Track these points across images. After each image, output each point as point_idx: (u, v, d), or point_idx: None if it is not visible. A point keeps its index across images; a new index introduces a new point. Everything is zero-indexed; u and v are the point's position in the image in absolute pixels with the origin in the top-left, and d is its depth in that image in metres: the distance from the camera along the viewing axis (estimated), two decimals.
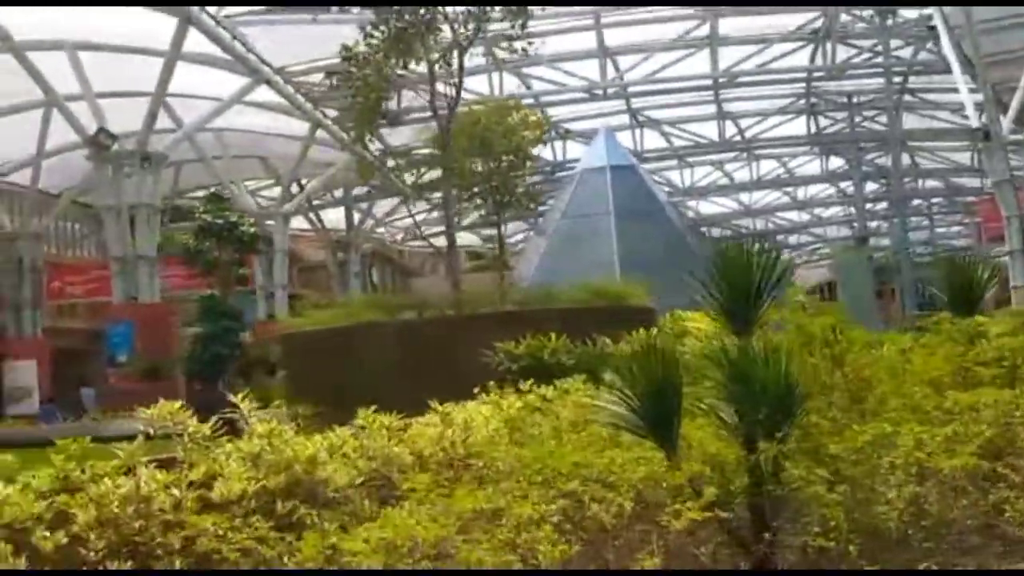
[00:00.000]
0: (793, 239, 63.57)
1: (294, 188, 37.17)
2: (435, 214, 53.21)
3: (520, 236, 49.23)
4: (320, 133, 31.01)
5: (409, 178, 21.02)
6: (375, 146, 16.58)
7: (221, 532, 4.31)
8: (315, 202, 41.84)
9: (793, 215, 61.06)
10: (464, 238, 51.82)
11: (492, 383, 7.66)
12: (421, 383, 8.43)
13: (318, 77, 34.14)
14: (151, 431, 5.39)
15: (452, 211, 12.74)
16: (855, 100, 43.72)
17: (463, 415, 5.91)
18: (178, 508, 4.63)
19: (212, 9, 21.97)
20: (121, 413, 17.69)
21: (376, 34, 12.95)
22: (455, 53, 12.97)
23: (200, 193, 39.65)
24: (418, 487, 4.81)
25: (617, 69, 36.74)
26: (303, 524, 4.69)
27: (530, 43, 14.39)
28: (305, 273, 48.65)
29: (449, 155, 12.80)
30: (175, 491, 4.54)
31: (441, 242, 63.39)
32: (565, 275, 21.26)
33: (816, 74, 39.72)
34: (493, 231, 44.19)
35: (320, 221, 44.21)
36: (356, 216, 44.35)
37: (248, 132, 32.51)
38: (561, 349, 9.73)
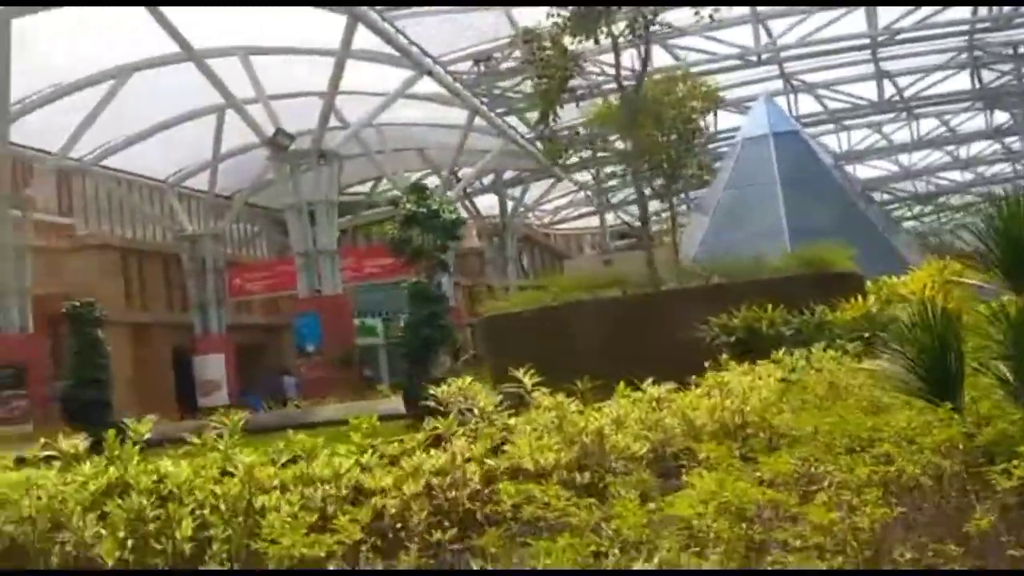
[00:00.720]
0: (956, 200, 61.07)
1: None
2: (582, 195, 53.65)
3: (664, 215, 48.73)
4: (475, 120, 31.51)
5: (576, 157, 21.19)
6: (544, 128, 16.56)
7: (546, 500, 4.46)
8: (467, 190, 42.51)
9: (955, 175, 58.45)
10: (602, 219, 51.95)
11: (705, 358, 7.69)
12: (630, 359, 8.51)
13: (464, 65, 34.78)
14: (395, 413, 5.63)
15: (642, 186, 12.73)
16: (1022, 51, 41.51)
17: (737, 384, 5.96)
18: (490, 479, 4.84)
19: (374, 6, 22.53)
20: (320, 400, 18.60)
21: (561, 13, 13.02)
22: (638, 25, 12.93)
23: (361, 188, 41.07)
24: (714, 455, 4.86)
25: (770, 35, 35.90)
26: (600, 493, 4.82)
27: (716, 10, 14.20)
28: (459, 259, 49.46)
29: (637, 129, 12.81)
30: (490, 461, 4.76)
31: (586, 223, 63.56)
32: (732, 249, 20.99)
33: (979, 25, 37.84)
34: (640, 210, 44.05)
35: (475, 208, 44.90)
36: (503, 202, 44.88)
37: (406, 125, 33.23)
38: (778, 320, 9.63)
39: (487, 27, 37.22)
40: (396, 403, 13.85)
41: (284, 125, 25.34)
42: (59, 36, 23.68)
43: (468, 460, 4.72)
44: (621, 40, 13.32)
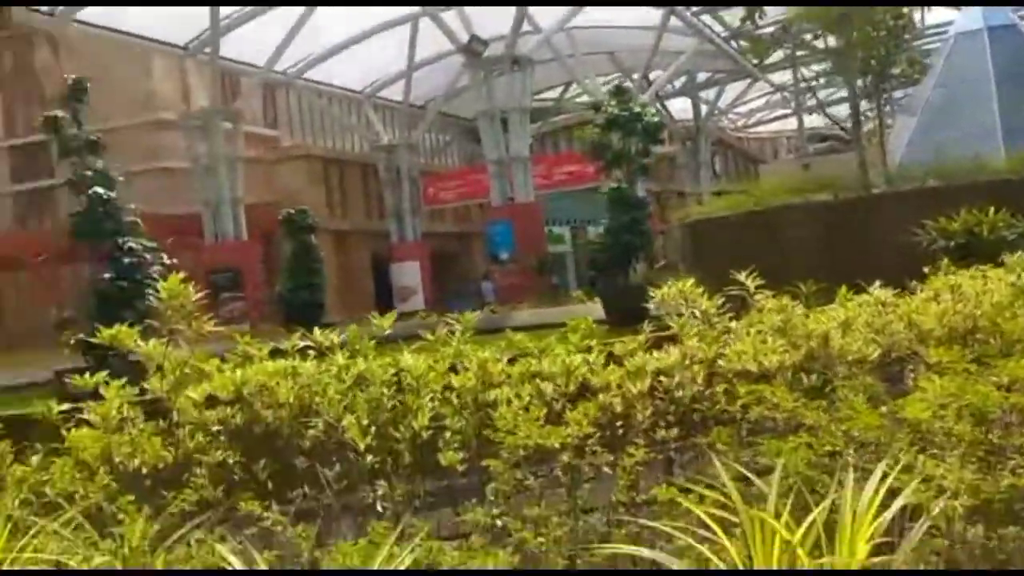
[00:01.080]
0: None
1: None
2: (777, 96, 51.71)
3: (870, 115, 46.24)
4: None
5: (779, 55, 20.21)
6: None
7: (775, 401, 4.43)
8: (659, 93, 41.68)
9: None
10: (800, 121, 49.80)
11: (923, 263, 7.35)
12: (843, 264, 8.24)
13: None
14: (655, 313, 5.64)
15: (853, 84, 12.14)
16: None
17: (968, 288, 5.70)
18: (712, 380, 4.85)
19: None
20: (516, 306, 18.97)
21: None
22: None
23: (550, 94, 40.98)
24: (946, 359, 4.70)
25: None
26: (826, 397, 4.74)
27: None
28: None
29: (847, 24, 12.19)
30: (720, 362, 4.75)
31: (780, 126, 61.17)
32: (941, 150, 19.74)
33: None
34: (837, 111, 42.09)
35: (667, 111, 44.01)
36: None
37: (596, 28, 32.70)
38: (1001, 224, 9.10)
39: None
40: (592, 309, 13.96)
41: (476, 32, 25.49)
42: None
43: (695, 361, 4.72)
44: None
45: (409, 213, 33.57)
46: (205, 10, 25.49)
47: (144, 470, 4.33)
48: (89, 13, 25.18)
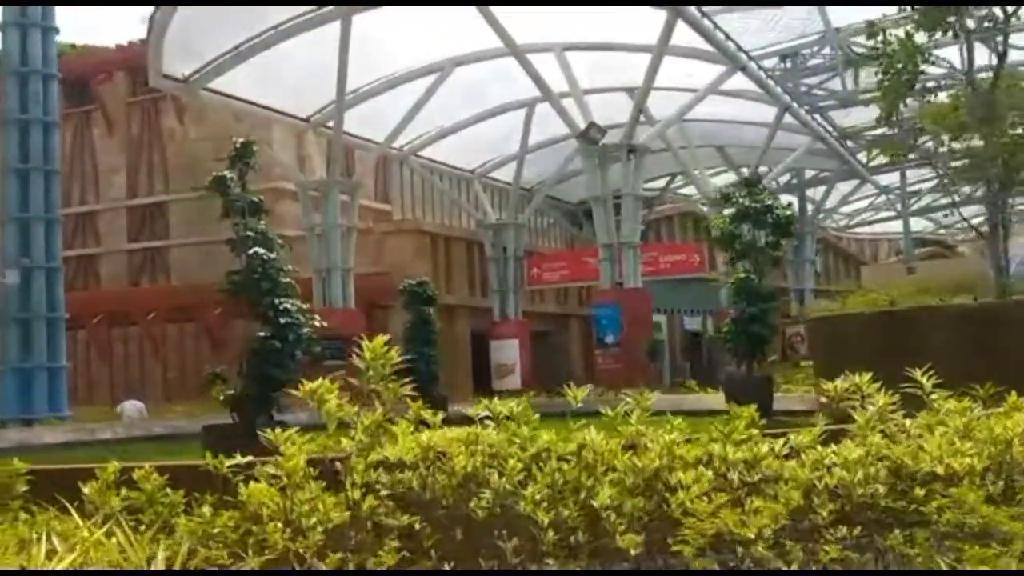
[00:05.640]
0: None
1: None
2: (881, 198, 51.08)
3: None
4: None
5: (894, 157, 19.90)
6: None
7: (971, 505, 4.27)
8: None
9: None
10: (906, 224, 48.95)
11: None
12: (979, 367, 7.94)
13: (770, 62, 33.99)
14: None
15: (996, 188, 11.89)
16: None
17: None
18: (896, 479, 4.68)
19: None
20: (624, 390, 18.63)
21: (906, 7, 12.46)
22: (995, 18, 12.13)
23: (655, 184, 41.20)
24: None
25: None
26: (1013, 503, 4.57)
27: None
28: None
29: (988, 127, 12.02)
30: (908, 461, 4.60)
31: (881, 228, 60.24)
32: None
33: None
34: (944, 216, 41.27)
35: None
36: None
37: (707, 121, 32.91)
38: None
39: (796, 23, 36.29)
40: (704, 398, 13.74)
41: (584, 119, 25.81)
42: (389, 31, 25.36)
43: (878, 458, 4.59)
44: (974, 34, 12.53)
45: (512, 291, 33.85)
46: (329, 84, 26.35)
47: (320, 529, 4.34)
48: (217, 82, 26.25)
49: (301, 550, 4.22)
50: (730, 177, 39.09)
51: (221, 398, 8.54)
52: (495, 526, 4.45)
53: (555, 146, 33.65)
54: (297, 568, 4.23)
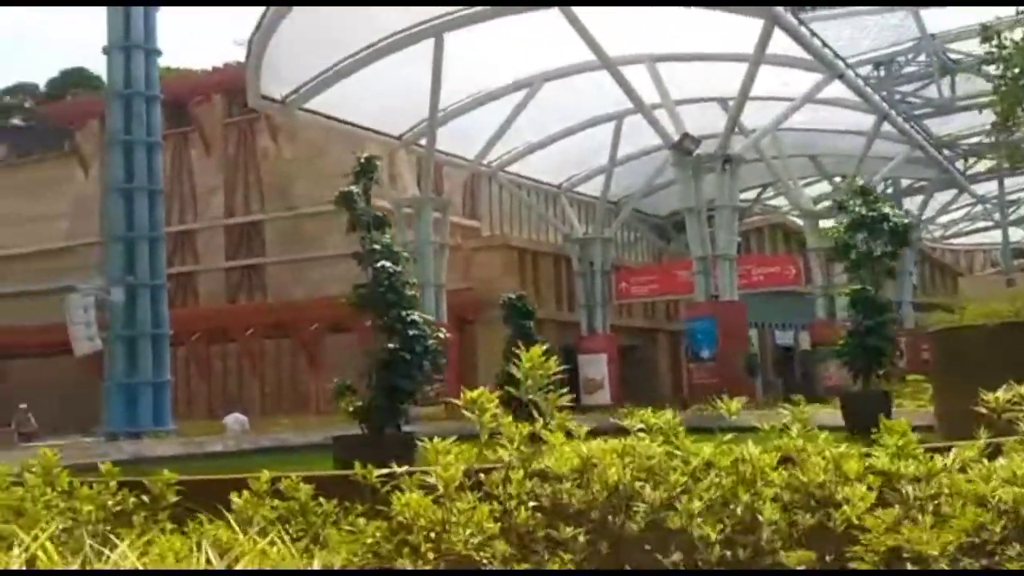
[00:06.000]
0: None
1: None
2: (978, 208, 49.69)
3: None
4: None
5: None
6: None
7: None
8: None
9: None
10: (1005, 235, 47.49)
11: None
12: None
13: (864, 69, 33.34)
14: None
15: None
16: None
17: None
18: None
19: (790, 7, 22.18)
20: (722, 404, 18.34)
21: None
22: None
23: (745, 195, 40.66)
24: None
25: None
26: None
27: None
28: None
29: None
30: None
31: (982, 239, 58.65)
32: None
33: None
34: None
35: None
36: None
37: (800, 130, 32.40)
38: None
39: (889, 31, 35.59)
40: (824, 413, 13.41)
41: (676, 130, 25.61)
42: (479, 48, 25.50)
43: None
44: None
45: (599, 305, 33.72)
46: (419, 103, 26.62)
47: (475, 540, 4.30)
48: (312, 102, 26.71)
49: (459, 559, 4.19)
50: (822, 187, 38.41)
51: (350, 409, 8.62)
52: (647, 540, 4.37)
53: (641, 159, 33.48)
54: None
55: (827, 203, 37.23)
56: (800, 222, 38.80)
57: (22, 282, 43.03)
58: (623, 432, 4.79)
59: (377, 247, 8.88)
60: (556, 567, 4.16)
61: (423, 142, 28.11)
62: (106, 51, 24.65)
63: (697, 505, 3.98)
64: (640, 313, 38.64)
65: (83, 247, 41.81)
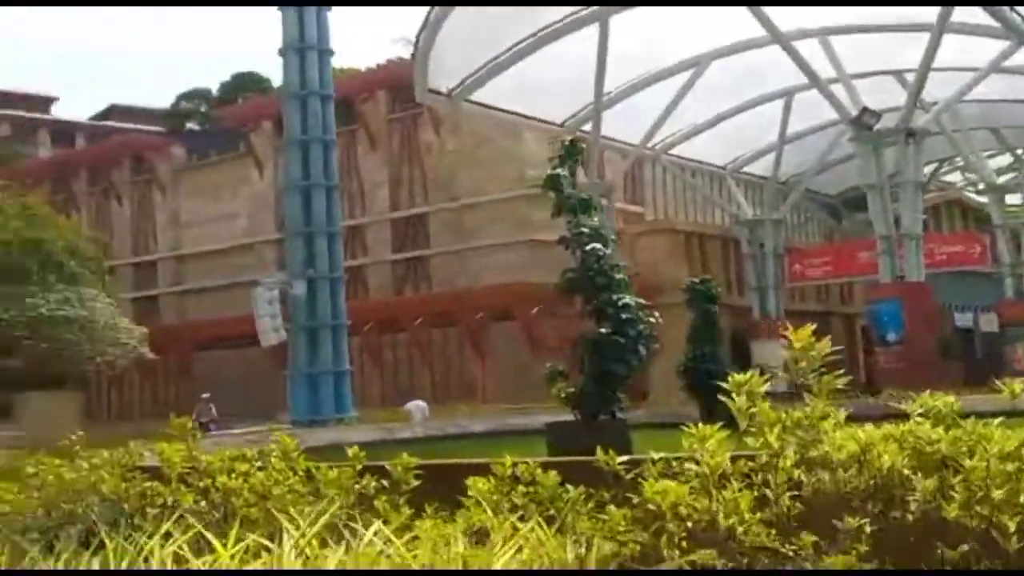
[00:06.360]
0: None
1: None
2: None
3: None
4: None
5: None
6: None
7: None
8: None
9: None
10: None
11: None
12: None
13: None
14: None
15: None
16: None
17: None
18: None
19: None
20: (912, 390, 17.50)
21: None
22: None
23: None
24: None
25: None
26: None
27: None
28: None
29: None
30: None
31: None
32: None
33: None
34: None
35: None
36: None
37: (981, 101, 30.68)
38: None
39: None
40: None
41: (853, 105, 24.61)
42: (644, 30, 25.16)
43: None
44: None
45: (772, 289, 32.86)
46: (580, 89, 26.50)
47: (741, 528, 4.15)
48: (476, 94, 26.94)
49: (720, 549, 4.05)
50: (1003, 160, 36.33)
51: (562, 395, 8.58)
52: (926, 530, 4.13)
53: (810, 137, 32.42)
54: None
55: (1012, 174, 35.23)
56: (979, 198, 36.86)
57: (207, 278, 45.26)
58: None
59: (585, 230, 8.77)
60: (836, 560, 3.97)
61: (585, 128, 27.96)
62: (282, 53, 25.45)
63: (997, 495, 3.71)
64: (813, 296, 37.48)
65: (260, 244, 43.59)
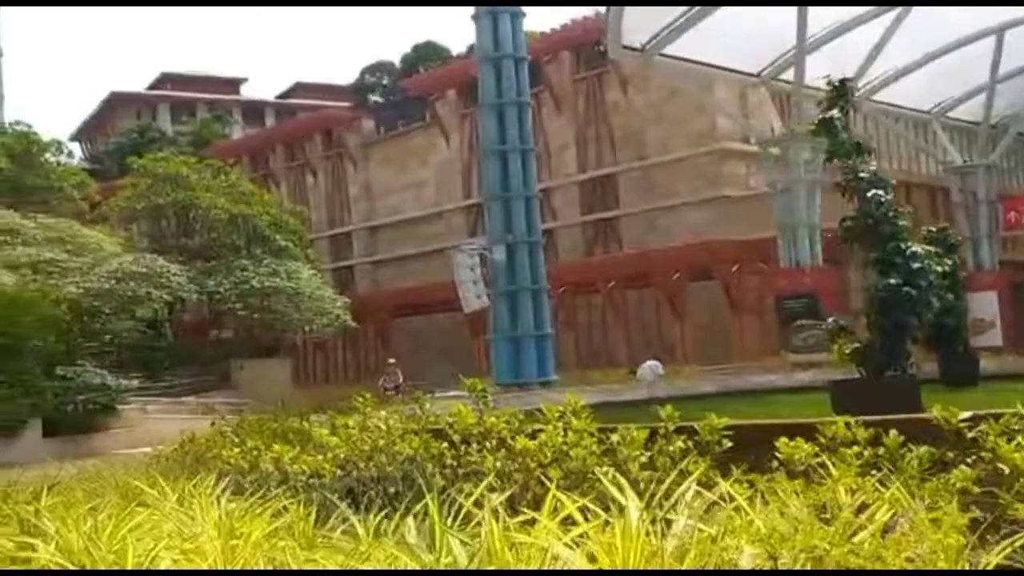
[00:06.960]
0: None
1: None
2: None
3: None
4: None
5: None
6: None
7: None
8: None
9: None
10: None
11: None
12: None
13: None
14: None
15: None
16: None
17: None
18: None
19: None
20: None
21: None
22: None
23: None
24: None
25: None
26: None
27: None
28: None
29: None
30: None
31: None
32: None
33: None
34: None
35: None
36: None
37: None
38: None
39: None
40: None
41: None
42: None
43: None
44: None
45: (985, 239, 30.97)
46: (772, 39, 25.50)
47: None
48: (668, 48, 26.30)
49: None
50: None
51: (847, 352, 8.21)
52: None
53: (1021, 78, 30.23)
54: None
55: None
56: None
57: (398, 248, 46.45)
58: None
59: (864, 175, 8.32)
60: None
61: (784, 77, 26.91)
62: (475, 18, 25.57)
63: None
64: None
65: (449, 212, 44.34)
